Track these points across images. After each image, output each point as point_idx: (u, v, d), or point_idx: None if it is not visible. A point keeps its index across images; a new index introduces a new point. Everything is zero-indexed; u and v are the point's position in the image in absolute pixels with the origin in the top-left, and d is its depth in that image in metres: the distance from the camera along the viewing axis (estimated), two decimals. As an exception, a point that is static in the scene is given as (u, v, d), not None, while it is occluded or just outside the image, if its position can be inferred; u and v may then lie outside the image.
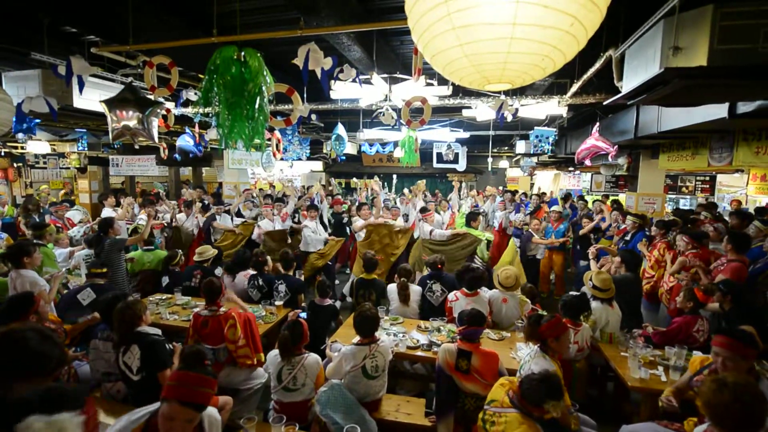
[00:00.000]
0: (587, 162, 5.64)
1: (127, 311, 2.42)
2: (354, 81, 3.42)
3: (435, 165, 10.18)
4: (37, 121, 4.27)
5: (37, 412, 1.03)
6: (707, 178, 10.39)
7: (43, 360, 1.36)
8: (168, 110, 4.82)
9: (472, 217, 5.57)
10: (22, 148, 9.57)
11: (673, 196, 10.21)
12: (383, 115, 4.54)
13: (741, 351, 2.04)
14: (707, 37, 2.23)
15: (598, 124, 5.57)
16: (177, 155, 7.52)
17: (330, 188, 10.97)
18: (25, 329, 1.42)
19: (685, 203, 10.32)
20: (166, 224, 6.31)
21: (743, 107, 3.29)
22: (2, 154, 10.34)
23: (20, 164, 11.78)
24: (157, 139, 3.43)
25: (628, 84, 2.99)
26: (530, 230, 5.85)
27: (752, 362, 2.10)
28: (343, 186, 15.27)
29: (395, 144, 8.34)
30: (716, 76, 2.35)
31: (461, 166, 10.31)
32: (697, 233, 4.00)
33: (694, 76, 2.38)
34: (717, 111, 3.50)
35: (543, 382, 1.84)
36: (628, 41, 2.91)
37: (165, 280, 4.51)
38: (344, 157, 7.65)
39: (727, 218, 5.34)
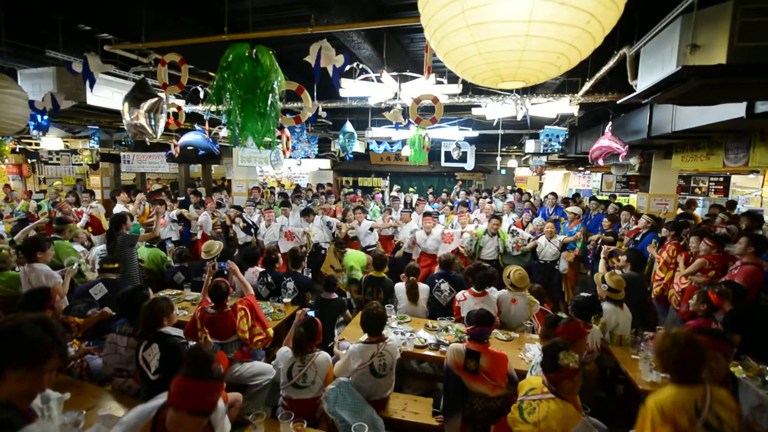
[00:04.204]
0: (600, 162, 5.55)
1: (154, 307, 2.45)
2: (365, 79, 3.40)
3: (443, 164, 10.13)
4: (47, 118, 4.33)
5: None
6: (721, 179, 10.19)
7: (32, 346, 1.32)
8: (179, 108, 4.85)
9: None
10: (36, 144, 9.74)
11: (686, 197, 10.04)
12: (391, 112, 4.51)
13: (721, 348, 2.09)
14: (727, 34, 2.17)
15: (610, 123, 5.49)
16: (170, 152, 7.67)
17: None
18: (20, 318, 1.38)
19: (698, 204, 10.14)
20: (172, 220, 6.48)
21: (762, 106, 3.20)
22: (17, 150, 10.53)
23: (34, 160, 12.00)
24: (157, 134, 3.42)
25: (643, 82, 2.93)
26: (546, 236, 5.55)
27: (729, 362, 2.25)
28: (351, 184, 15.30)
29: (403, 142, 8.32)
30: (736, 74, 2.29)
31: (469, 165, 10.25)
32: (720, 236, 3.91)
33: (712, 75, 2.33)
34: (734, 110, 3.42)
35: (548, 346, 2.03)
36: (644, 39, 2.85)
37: (180, 276, 4.56)
38: (352, 155, 7.65)
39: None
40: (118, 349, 2.61)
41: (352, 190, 11.29)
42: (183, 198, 8.38)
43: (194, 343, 2.69)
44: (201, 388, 1.55)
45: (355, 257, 4.65)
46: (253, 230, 6.23)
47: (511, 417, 2.13)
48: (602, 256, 4.27)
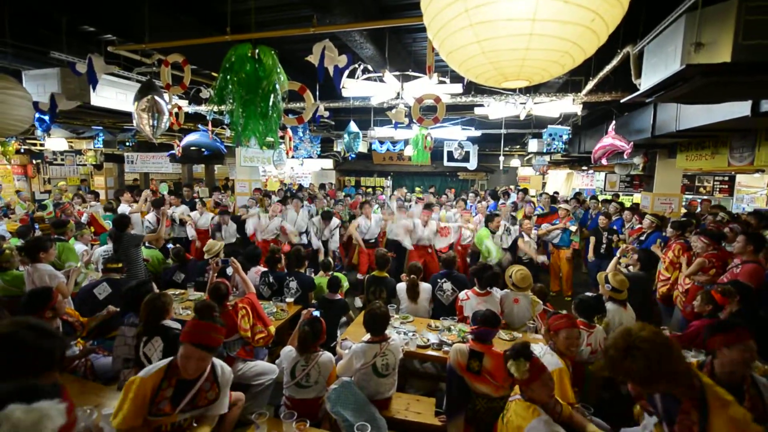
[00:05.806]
0: (603, 161, 5.53)
1: (157, 302, 2.49)
2: (368, 78, 3.39)
3: (446, 164, 10.12)
4: (47, 117, 4.35)
5: (15, 401, 1.02)
6: (726, 179, 10.14)
7: (41, 355, 1.34)
8: (179, 108, 4.87)
9: (489, 218, 5.45)
10: (41, 145, 9.80)
11: (690, 197, 9.99)
12: (394, 111, 4.51)
13: (748, 336, 1.98)
14: (731, 32, 2.15)
15: (614, 122, 5.46)
16: (173, 152, 7.75)
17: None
18: (17, 326, 1.37)
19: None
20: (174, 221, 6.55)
21: (767, 105, 3.19)
22: (22, 150, 10.60)
23: (39, 161, 12.07)
24: (157, 135, 3.42)
25: (646, 81, 2.92)
26: (522, 231, 5.47)
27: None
28: (353, 184, 15.32)
29: (406, 142, 8.31)
30: (740, 72, 2.28)
31: (472, 164, 10.23)
32: (716, 234, 3.90)
33: (717, 73, 2.31)
34: (739, 109, 3.39)
35: (508, 352, 2.02)
36: (648, 37, 2.83)
37: (180, 275, 4.57)
38: (354, 155, 7.64)
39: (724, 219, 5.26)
40: (126, 340, 2.65)
41: (344, 193, 11.05)
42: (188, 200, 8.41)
43: None
44: (205, 327, 1.95)
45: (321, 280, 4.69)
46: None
47: (499, 421, 2.14)
48: (618, 254, 4.22)
